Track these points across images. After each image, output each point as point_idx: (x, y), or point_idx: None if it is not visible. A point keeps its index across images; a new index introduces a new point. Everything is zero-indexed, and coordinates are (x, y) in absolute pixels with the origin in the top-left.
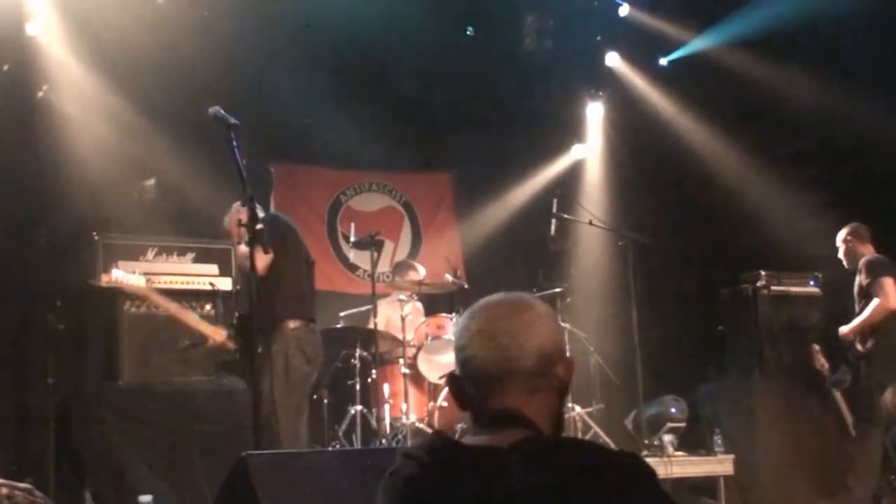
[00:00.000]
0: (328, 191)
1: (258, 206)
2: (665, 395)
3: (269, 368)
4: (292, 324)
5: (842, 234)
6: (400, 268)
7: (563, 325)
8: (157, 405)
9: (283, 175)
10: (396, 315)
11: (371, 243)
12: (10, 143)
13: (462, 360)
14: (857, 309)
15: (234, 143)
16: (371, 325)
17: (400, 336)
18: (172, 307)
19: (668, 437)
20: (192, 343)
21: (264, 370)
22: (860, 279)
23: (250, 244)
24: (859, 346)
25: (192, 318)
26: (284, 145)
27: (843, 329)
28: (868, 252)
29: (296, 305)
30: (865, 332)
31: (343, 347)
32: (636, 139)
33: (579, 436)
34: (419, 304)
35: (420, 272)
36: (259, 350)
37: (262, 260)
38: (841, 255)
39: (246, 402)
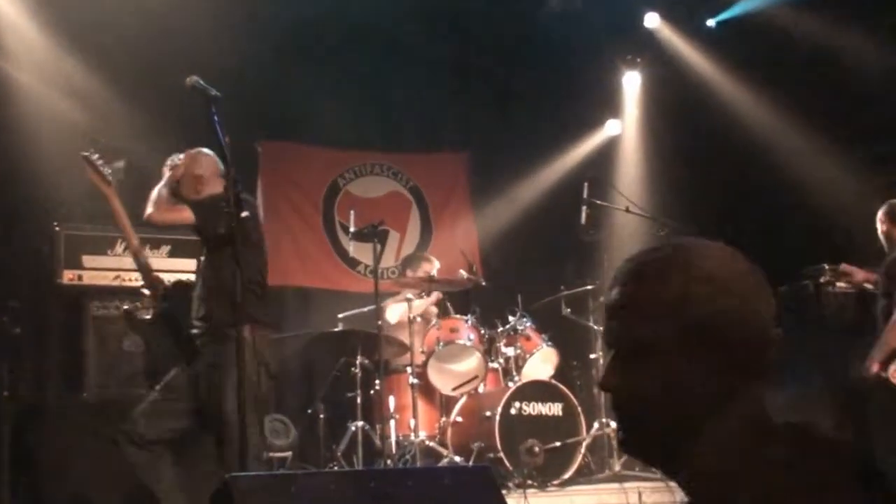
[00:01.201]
0: (324, 174)
1: (246, 196)
2: None
3: (227, 383)
4: (252, 330)
5: (879, 213)
6: (411, 261)
7: (594, 327)
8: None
9: (273, 155)
10: (404, 316)
11: (374, 234)
12: None
13: (751, 313)
14: (878, 308)
15: (215, 118)
16: (374, 329)
17: (407, 341)
18: (124, 221)
19: None
20: (130, 309)
21: (222, 386)
22: (882, 273)
23: (230, 235)
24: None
25: (134, 241)
26: (274, 122)
27: (870, 365)
28: None
29: (259, 307)
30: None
31: (342, 354)
32: (679, 113)
33: (613, 453)
34: (432, 303)
35: (434, 265)
36: (210, 361)
37: (175, 213)
38: (880, 236)
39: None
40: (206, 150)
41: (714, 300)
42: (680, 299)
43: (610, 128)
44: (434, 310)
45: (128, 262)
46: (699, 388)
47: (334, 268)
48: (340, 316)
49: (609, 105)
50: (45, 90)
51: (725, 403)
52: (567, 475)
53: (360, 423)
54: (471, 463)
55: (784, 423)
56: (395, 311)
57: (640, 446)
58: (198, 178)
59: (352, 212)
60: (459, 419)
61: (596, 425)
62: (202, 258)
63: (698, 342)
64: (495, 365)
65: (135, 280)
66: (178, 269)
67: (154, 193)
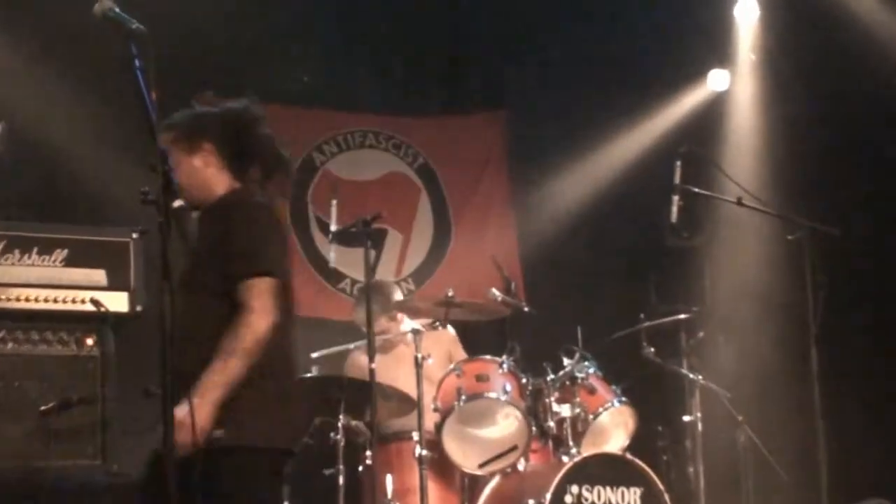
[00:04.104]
0: (295, 145)
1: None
2: (868, 497)
3: None
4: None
5: None
6: (422, 274)
7: (692, 376)
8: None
9: None
10: (408, 357)
11: (366, 235)
12: None
13: None
14: None
15: (138, 65)
16: (364, 375)
17: (414, 393)
18: None
19: None
20: (59, 404)
21: None
22: None
23: (162, 235)
24: None
25: None
26: (225, 71)
27: None
28: None
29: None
30: None
31: (317, 413)
32: (816, 61)
33: None
34: (452, 334)
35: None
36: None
37: None
38: None
39: None
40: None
41: None
42: None
43: (714, 81)
44: (457, 349)
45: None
46: None
47: (307, 283)
48: (314, 355)
49: (713, 49)
50: None
51: None
52: None
53: None
54: None
55: None
56: (396, 349)
57: None
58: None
59: (333, 202)
60: None
61: None
62: None
63: None
64: (543, 430)
65: (7, 298)
66: (79, 283)
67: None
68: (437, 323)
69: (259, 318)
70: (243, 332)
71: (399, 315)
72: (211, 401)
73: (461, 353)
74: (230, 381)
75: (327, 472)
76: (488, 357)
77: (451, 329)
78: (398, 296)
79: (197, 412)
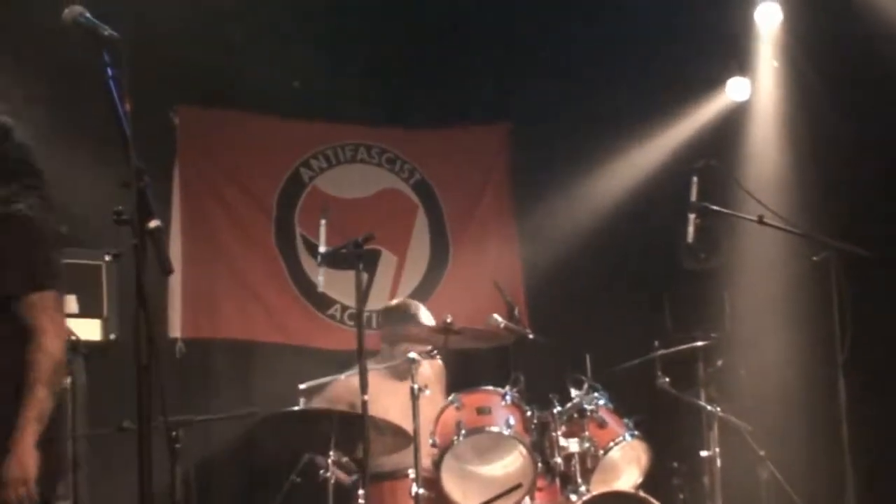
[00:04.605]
0: (280, 160)
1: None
2: None
3: None
4: None
5: None
6: (400, 315)
7: (710, 408)
8: None
9: (196, 128)
10: (402, 389)
11: (358, 257)
12: None
13: None
14: None
15: (110, 73)
16: (356, 408)
17: (410, 427)
18: None
19: None
20: None
21: None
22: None
23: (137, 257)
24: None
25: None
26: (203, 78)
27: None
28: None
29: None
30: None
31: (305, 448)
32: (843, 69)
33: None
34: (441, 365)
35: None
36: None
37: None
38: None
39: None
40: None
41: None
42: None
43: (733, 90)
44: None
45: None
46: None
47: (293, 310)
48: (302, 387)
49: (732, 53)
50: None
51: None
52: None
53: None
54: None
55: None
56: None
57: None
58: None
59: (322, 221)
60: None
61: None
62: None
63: None
64: (550, 467)
65: None
66: None
67: None
68: (435, 351)
69: (52, 339)
70: (40, 359)
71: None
72: (31, 444)
73: (442, 390)
74: (42, 415)
75: None
76: (490, 388)
77: (439, 360)
78: (426, 318)
79: (23, 461)
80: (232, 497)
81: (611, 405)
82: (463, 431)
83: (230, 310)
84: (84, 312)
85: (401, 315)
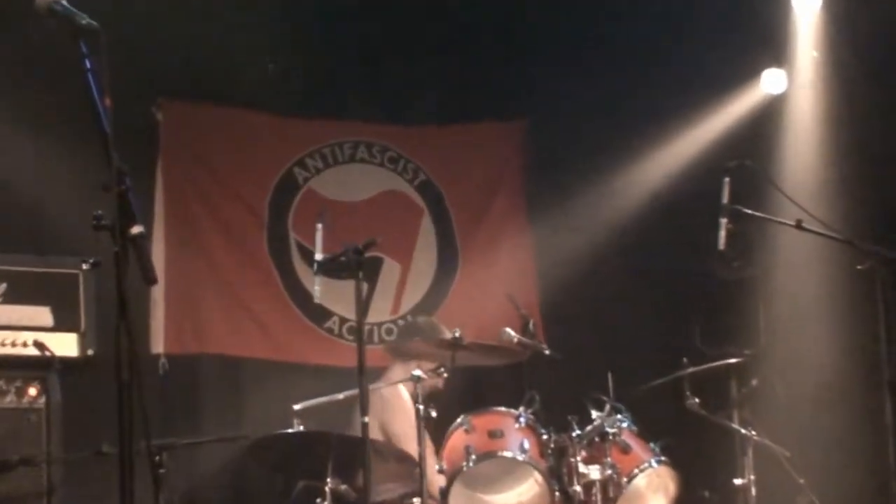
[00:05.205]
0: (272, 159)
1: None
2: None
3: None
4: None
5: None
6: (424, 311)
7: (745, 431)
8: None
9: (181, 124)
10: (407, 409)
11: (357, 264)
12: None
13: None
14: None
15: (88, 65)
16: (356, 431)
17: (415, 451)
18: None
19: None
20: None
21: None
22: None
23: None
24: None
25: None
26: (193, 72)
27: None
28: None
29: None
30: None
31: (300, 474)
32: (889, 59)
33: None
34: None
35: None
36: None
37: None
38: None
39: None
40: None
41: None
42: None
43: (768, 83)
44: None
45: None
46: None
47: (287, 323)
48: (297, 408)
49: (768, 45)
50: None
51: None
52: None
53: None
54: None
55: None
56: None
57: None
58: None
59: (319, 225)
60: None
61: None
62: None
63: None
64: (568, 496)
65: None
66: (20, 323)
67: None
68: (442, 369)
69: None
70: None
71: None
72: None
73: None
74: None
75: None
76: (502, 409)
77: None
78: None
79: None
80: None
81: (635, 428)
82: (473, 457)
83: (218, 323)
84: (59, 326)
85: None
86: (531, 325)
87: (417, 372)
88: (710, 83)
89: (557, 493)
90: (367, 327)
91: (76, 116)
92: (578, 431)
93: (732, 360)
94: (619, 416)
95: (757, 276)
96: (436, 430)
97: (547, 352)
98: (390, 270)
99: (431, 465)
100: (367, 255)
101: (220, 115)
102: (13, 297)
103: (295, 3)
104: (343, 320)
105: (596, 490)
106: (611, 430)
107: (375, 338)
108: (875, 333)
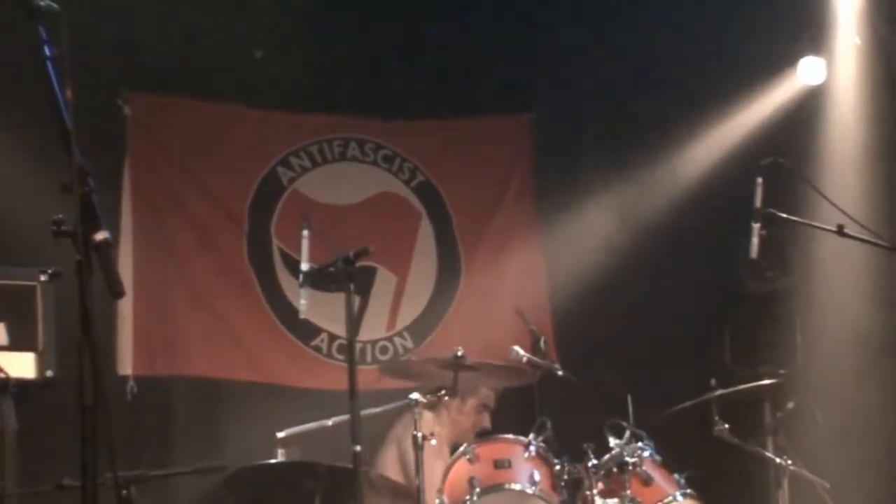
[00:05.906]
0: (253, 157)
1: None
2: None
3: None
4: None
5: None
6: (423, 327)
7: (780, 460)
8: None
9: (150, 120)
10: (405, 437)
11: (348, 275)
12: None
13: None
14: None
15: (48, 53)
16: (347, 461)
17: (413, 483)
18: None
19: None
20: None
21: None
22: None
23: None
24: None
25: None
26: (164, 62)
27: None
28: None
29: None
30: None
31: None
32: None
33: None
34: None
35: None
36: None
37: None
38: None
39: None
40: None
41: None
42: None
43: (806, 72)
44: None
45: None
46: None
47: (269, 341)
48: (280, 435)
49: (804, 31)
50: None
51: None
52: None
53: None
54: None
55: None
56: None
57: None
58: None
59: (305, 232)
60: None
61: None
62: None
63: None
64: None
65: None
66: None
67: None
68: (444, 392)
69: None
70: None
71: None
72: None
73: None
74: None
75: None
76: (510, 437)
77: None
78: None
79: None
80: None
81: (658, 457)
82: (477, 489)
83: (192, 341)
84: (15, 344)
85: None
86: (542, 343)
87: (415, 395)
88: (741, 72)
89: None
90: (358, 345)
91: (34, 109)
92: (595, 461)
93: (766, 382)
94: (640, 444)
95: (793, 287)
96: None
97: (560, 372)
98: (385, 282)
99: (431, 501)
100: (359, 264)
101: (194, 110)
102: None
103: None
104: (332, 338)
105: None
106: (631, 460)
107: (368, 357)
108: None
